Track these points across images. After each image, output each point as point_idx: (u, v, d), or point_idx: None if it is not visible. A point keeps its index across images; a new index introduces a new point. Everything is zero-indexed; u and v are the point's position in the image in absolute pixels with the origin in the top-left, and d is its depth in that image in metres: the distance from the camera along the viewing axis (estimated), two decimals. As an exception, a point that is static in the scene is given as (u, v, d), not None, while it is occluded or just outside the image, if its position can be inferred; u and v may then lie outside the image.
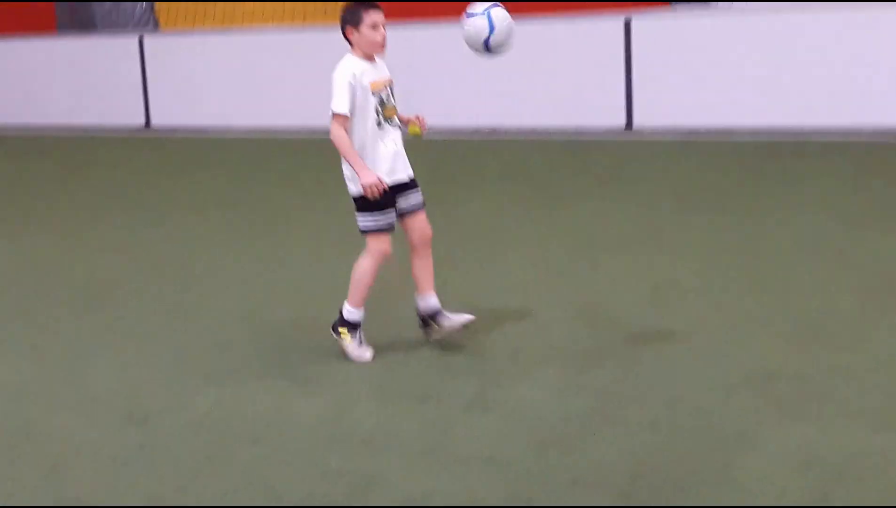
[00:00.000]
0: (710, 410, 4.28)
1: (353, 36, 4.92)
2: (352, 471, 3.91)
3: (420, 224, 5.06)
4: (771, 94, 11.20)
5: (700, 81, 11.47)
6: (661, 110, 11.65)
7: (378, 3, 4.93)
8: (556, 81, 11.96)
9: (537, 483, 3.76)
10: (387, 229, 4.98)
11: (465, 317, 5.12)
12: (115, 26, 15.44)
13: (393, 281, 5.58)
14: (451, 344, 5.14)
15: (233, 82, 13.77)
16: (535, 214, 7.89)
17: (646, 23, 11.79)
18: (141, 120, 14.41)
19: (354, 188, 4.95)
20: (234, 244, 7.57)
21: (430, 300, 5.11)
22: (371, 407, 4.49)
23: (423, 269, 5.10)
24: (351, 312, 5.06)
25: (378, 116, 4.91)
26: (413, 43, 11.97)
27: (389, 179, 4.91)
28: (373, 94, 4.89)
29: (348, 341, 5.04)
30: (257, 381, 4.86)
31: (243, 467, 4.00)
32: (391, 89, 5.01)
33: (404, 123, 5.09)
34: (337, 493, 3.76)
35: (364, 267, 5.02)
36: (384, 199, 4.90)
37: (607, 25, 11.90)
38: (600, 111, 11.76)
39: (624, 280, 6.18)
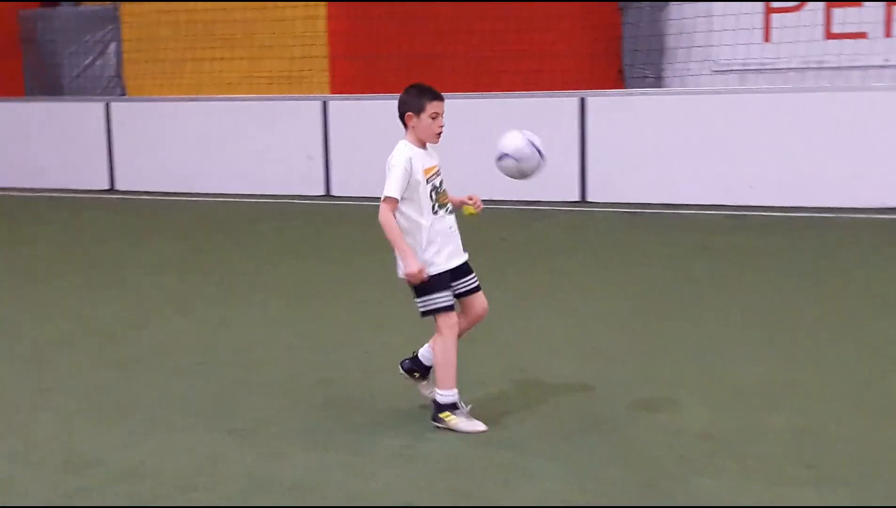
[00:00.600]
0: (622, 463, 4.51)
1: (412, 122, 5.02)
2: (275, 516, 4.10)
3: (480, 302, 5.14)
4: (717, 171, 11.59)
5: (650, 157, 11.85)
6: (612, 185, 12.01)
7: (440, 94, 5.03)
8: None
9: (450, 529, 3.96)
10: (452, 306, 5.01)
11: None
12: (82, 92, 15.72)
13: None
14: (386, 403, 5.37)
15: (196, 148, 14.06)
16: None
17: (600, 101, 12.20)
18: (105, 183, 14.65)
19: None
20: (184, 306, 7.75)
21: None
22: (300, 458, 4.67)
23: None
24: (445, 395, 4.97)
25: (433, 202, 5.00)
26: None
27: (450, 264, 5.01)
28: (427, 180, 4.99)
29: (455, 421, 4.94)
30: (194, 432, 5.03)
31: (172, 511, 4.18)
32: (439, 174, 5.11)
33: (457, 206, 5.17)
34: (259, 536, 3.95)
35: (444, 347, 4.96)
36: (445, 280, 4.98)
37: (563, 103, 12.29)
38: (555, 185, 12.10)
39: (557, 343, 6.42)
